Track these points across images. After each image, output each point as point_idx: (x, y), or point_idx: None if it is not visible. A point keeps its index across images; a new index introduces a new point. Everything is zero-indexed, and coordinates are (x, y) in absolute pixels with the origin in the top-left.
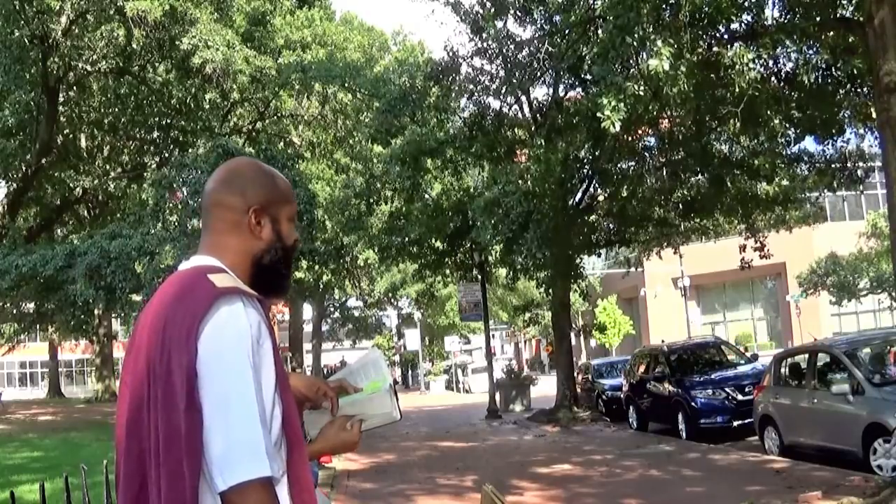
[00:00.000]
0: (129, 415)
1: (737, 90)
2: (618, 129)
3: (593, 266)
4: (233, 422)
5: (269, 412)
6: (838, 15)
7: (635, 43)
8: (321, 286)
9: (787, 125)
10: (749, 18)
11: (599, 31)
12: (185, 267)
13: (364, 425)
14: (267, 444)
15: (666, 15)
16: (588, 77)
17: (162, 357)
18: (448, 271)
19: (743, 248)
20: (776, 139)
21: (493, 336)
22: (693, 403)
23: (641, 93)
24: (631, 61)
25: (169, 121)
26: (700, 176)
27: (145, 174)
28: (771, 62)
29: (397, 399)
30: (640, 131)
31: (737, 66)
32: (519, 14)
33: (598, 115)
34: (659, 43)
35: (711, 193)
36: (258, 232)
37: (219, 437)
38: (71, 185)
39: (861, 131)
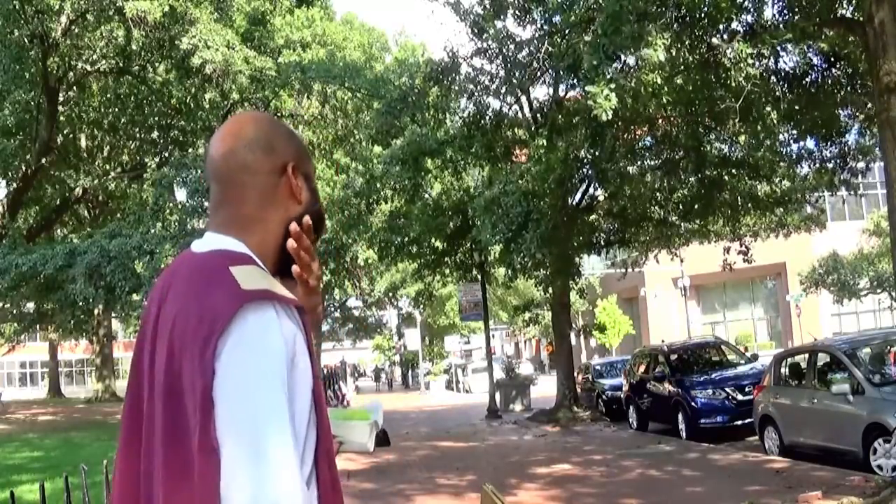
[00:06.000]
0: (126, 435)
1: (733, 84)
2: (609, 116)
3: (593, 267)
4: (265, 475)
5: (301, 449)
6: (838, 15)
7: (633, 27)
8: (321, 286)
9: (787, 124)
10: (749, 18)
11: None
12: (200, 248)
13: (341, 447)
14: (304, 497)
15: (655, 8)
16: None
17: (169, 368)
18: (447, 271)
19: (727, 251)
20: (775, 137)
21: (493, 336)
22: (693, 403)
23: (633, 84)
24: (624, 53)
25: (169, 121)
26: (698, 175)
27: (145, 174)
28: (771, 61)
29: (383, 436)
30: (639, 131)
31: (737, 63)
32: (519, 14)
33: (590, 103)
34: (654, 33)
35: (710, 194)
36: (299, 194)
37: (244, 492)
38: (71, 185)
39: (860, 131)
